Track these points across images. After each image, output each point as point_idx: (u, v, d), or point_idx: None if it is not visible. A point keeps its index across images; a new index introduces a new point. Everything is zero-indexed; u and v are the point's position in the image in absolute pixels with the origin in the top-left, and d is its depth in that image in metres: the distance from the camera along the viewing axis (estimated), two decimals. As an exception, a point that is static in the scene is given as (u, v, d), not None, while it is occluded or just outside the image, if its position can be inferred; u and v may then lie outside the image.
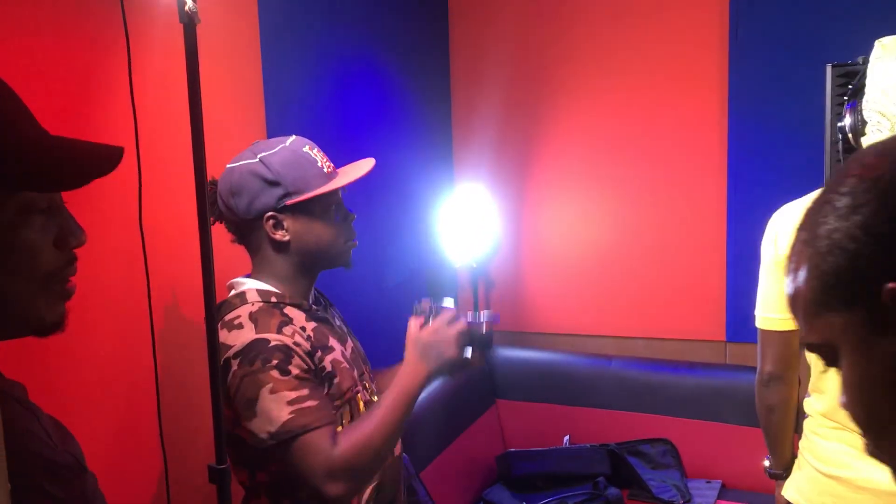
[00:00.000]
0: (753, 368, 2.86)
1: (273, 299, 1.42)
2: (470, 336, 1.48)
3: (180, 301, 1.76)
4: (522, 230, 3.40)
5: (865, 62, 1.79)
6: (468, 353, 1.48)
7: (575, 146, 3.29)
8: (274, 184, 1.42)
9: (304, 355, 1.38)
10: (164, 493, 1.68)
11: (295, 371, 1.34)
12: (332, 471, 1.30)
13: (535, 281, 3.42)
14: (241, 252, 1.53)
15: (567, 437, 2.98)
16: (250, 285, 1.45)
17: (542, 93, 3.31)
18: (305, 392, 1.32)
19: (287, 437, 1.29)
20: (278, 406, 1.30)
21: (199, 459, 1.81)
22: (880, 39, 1.52)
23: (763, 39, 2.93)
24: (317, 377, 1.39)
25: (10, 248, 0.77)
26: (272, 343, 1.35)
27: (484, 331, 1.51)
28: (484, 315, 1.51)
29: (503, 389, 3.16)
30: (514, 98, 3.36)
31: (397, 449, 1.58)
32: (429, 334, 1.45)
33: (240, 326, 1.37)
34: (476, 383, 3.07)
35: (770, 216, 1.68)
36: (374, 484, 1.50)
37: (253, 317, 1.38)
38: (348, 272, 1.58)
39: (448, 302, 1.51)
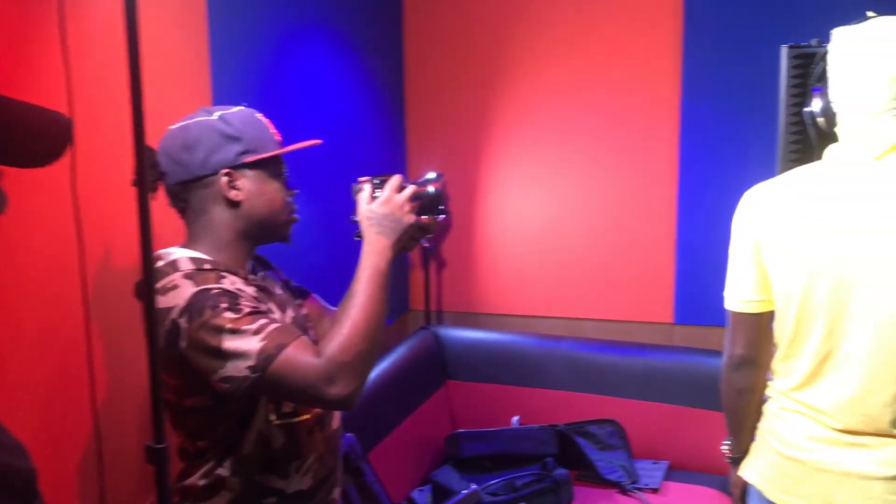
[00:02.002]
0: (701, 351, 2.94)
1: (206, 266, 1.37)
2: (420, 199, 1.46)
3: (115, 273, 1.68)
4: (474, 212, 3.37)
5: (821, 44, 1.79)
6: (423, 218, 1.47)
7: (528, 128, 3.26)
8: (234, 139, 1.39)
9: (250, 299, 1.34)
10: (96, 475, 1.61)
11: (247, 308, 1.30)
12: (325, 374, 1.26)
13: (486, 262, 3.40)
14: (177, 227, 1.46)
15: (516, 418, 2.97)
16: (181, 254, 1.39)
17: (496, 74, 3.27)
18: (265, 321, 1.29)
19: (268, 363, 1.25)
20: (246, 340, 1.26)
21: (136, 439, 1.75)
22: (838, 29, 1.50)
23: (718, 20, 2.94)
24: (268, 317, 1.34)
25: None
26: (215, 290, 1.30)
27: (432, 191, 1.48)
28: (427, 175, 1.48)
29: (453, 370, 3.13)
30: (468, 78, 3.32)
31: (335, 422, 1.55)
32: (380, 205, 1.42)
33: (175, 287, 1.31)
34: (426, 364, 3.04)
35: (720, 200, 1.66)
36: (315, 453, 1.47)
37: (188, 276, 1.33)
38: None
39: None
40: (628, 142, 3.14)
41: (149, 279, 1.22)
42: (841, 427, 1.48)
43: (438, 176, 1.50)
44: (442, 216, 1.53)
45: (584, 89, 3.16)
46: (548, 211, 3.28)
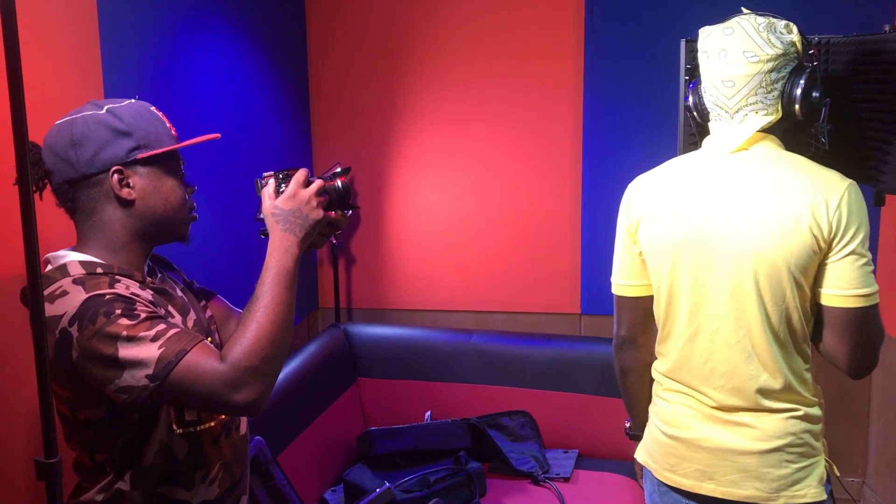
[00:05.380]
0: (607, 340, 2.99)
1: (99, 270, 1.29)
2: (328, 194, 1.42)
3: (0, 279, 1.57)
4: (383, 207, 3.34)
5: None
6: (331, 213, 1.42)
7: (435, 122, 3.25)
8: (125, 134, 1.31)
9: (146, 303, 1.27)
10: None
11: (143, 314, 1.22)
12: (229, 380, 1.21)
13: (395, 258, 3.37)
14: (67, 229, 1.37)
15: (429, 413, 2.96)
16: (72, 258, 1.30)
17: (401, 66, 3.25)
18: (163, 326, 1.22)
19: (168, 370, 1.18)
20: (144, 347, 1.19)
21: (25, 454, 1.64)
22: (703, 28, 1.58)
23: (618, 14, 3.00)
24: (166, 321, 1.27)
25: None
26: (108, 296, 1.23)
27: (340, 185, 1.44)
28: (335, 169, 1.44)
29: (364, 367, 3.10)
30: (373, 71, 3.28)
31: (242, 428, 1.50)
32: (285, 201, 1.37)
33: (64, 294, 1.23)
34: (336, 361, 2.99)
35: (623, 192, 1.73)
36: (221, 461, 1.41)
37: (77, 281, 1.25)
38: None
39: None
40: (533, 136, 3.17)
41: (35, 284, 1.14)
42: (716, 404, 1.55)
43: (346, 169, 1.46)
44: (351, 211, 1.49)
45: (489, 83, 3.17)
46: (456, 205, 3.28)
